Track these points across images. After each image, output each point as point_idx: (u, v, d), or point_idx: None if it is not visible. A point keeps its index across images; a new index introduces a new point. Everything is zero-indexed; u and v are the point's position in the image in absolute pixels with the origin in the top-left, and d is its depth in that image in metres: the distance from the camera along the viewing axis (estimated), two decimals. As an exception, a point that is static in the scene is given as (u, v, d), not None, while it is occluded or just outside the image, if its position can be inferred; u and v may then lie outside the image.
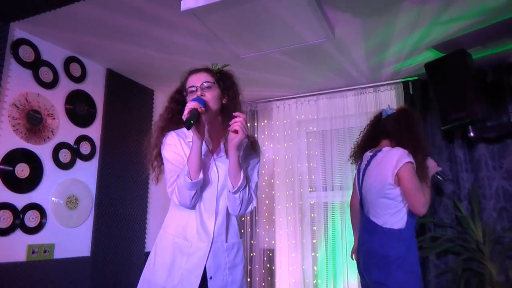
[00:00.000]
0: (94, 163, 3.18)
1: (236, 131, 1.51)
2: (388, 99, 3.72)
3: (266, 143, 4.19)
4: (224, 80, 1.69)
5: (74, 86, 3.09)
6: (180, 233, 1.63)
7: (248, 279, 3.97)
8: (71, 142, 3.01)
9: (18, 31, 2.69)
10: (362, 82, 3.76)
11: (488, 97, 3.14)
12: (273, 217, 4.02)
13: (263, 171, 4.14)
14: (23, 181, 2.65)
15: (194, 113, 1.46)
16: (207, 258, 1.60)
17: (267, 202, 4.08)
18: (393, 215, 2.21)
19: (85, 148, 3.11)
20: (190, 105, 1.47)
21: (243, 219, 4.09)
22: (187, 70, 1.72)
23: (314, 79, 3.68)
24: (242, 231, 3.89)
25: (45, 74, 2.86)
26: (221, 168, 1.66)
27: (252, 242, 4.01)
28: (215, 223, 1.62)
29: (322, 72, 3.50)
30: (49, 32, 2.76)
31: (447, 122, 2.97)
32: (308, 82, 3.75)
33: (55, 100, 2.92)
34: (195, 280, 1.57)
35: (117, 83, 3.43)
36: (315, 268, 3.76)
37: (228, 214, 1.67)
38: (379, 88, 3.76)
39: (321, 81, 3.72)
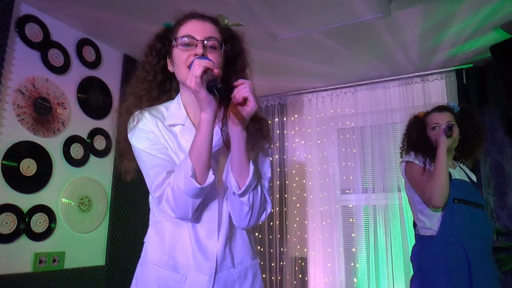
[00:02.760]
0: (110, 159, 2.81)
1: (245, 100, 0.99)
2: (438, 90, 3.30)
3: (297, 140, 3.79)
4: (232, 43, 1.18)
5: (87, 72, 2.72)
6: (167, 262, 1.09)
7: (277, 291, 3.57)
8: (84, 135, 2.65)
9: (24, 6, 2.33)
10: (408, 71, 3.34)
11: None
12: (305, 222, 3.61)
13: (294, 171, 3.74)
14: (29, 180, 2.29)
15: (213, 75, 0.96)
16: None
17: (298, 205, 3.67)
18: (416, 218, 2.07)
19: (99, 143, 2.74)
20: (203, 62, 0.97)
21: (271, 223, 3.69)
22: (184, 12, 1.17)
23: (353, 67, 3.27)
24: (261, 249, 3.40)
25: (55, 57, 2.50)
26: (221, 163, 1.13)
27: (282, 250, 3.61)
28: (218, 241, 1.09)
29: (365, 58, 3.09)
30: (59, 7, 2.40)
31: (519, 113, 2.54)
32: (347, 70, 3.34)
33: (66, 87, 2.56)
34: None
35: (134, 71, 3.06)
36: (355, 280, 3.34)
37: (233, 227, 1.14)
38: (427, 78, 3.33)
39: (362, 69, 3.31)
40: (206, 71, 0.96)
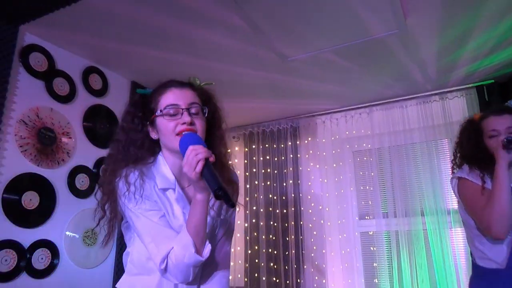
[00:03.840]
0: (117, 190, 2.70)
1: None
2: (459, 108, 3.14)
3: (311, 164, 3.64)
4: (207, 102, 1.26)
5: (93, 101, 2.66)
6: None
7: (295, 326, 3.34)
8: (90, 165, 2.56)
9: (28, 35, 2.29)
10: (426, 89, 3.19)
11: None
12: (323, 251, 3.41)
13: (309, 197, 3.57)
14: (31, 213, 2.18)
15: (210, 165, 1.02)
16: None
17: (315, 233, 3.48)
18: (473, 246, 1.70)
19: (106, 173, 2.64)
20: (200, 153, 1.01)
21: (287, 253, 3.50)
22: (160, 82, 1.26)
23: (368, 87, 3.14)
24: (277, 280, 3.15)
25: (60, 86, 2.45)
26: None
27: (298, 281, 3.40)
28: None
29: (380, 77, 2.96)
30: (64, 36, 2.36)
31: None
32: (361, 90, 3.21)
33: (71, 117, 2.49)
34: None
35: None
36: (379, 313, 3.11)
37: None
38: (446, 96, 3.18)
39: (377, 89, 3.18)
40: (208, 164, 1.01)
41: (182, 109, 1.15)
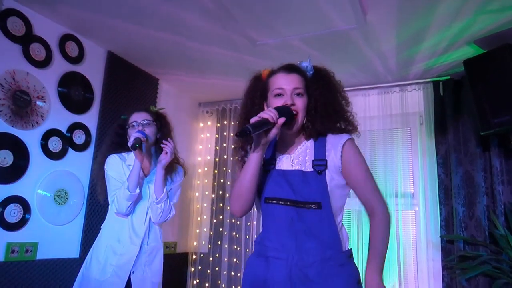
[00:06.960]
0: (88, 154, 2.86)
1: (166, 153, 2.05)
2: (416, 100, 3.38)
3: (278, 143, 3.85)
4: (160, 119, 2.20)
5: (69, 67, 2.77)
6: (114, 237, 2.03)
7: None
8: (63, 129, 2.70)
9: (7, 0, 2.38)
10: (388, 80, 3.41)
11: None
12: (282, 223, 3.67)
13: (273, 173, 3.80)
14: (5, 170, 2.33)
15: (138, 140, 1.96)
16: (136, 257, 2.01)
17: (276, 206, 3.73)
18: None
19: (78, 137, 2.79)
20: (135, 134, 1.97)
21: (248, 224, 3.76)
22: (132, 110, 2.21)
23: (334, 74, 3.33)
24: (238, 248, 3.81)
25: (37, 51, 2.55)
26: (152, 188, 2.08)
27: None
28: (144, 230, 2.06)
29: (345, 66, 3.16)
30: (43, 2, 2.44)
31: (487, 127, 2.62)
32: (328, 77, 3.40)
33: (46, 81, 2.60)
34: (124, 275, 1.98)
35: (118, 68, 3.11)
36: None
37: (151, 223, 2.10)
38: (406, 88, 3.41)
39: (342, 76, 3.31)
40: (136, 139, 1.97)
41: (138, 122, 2.12)
